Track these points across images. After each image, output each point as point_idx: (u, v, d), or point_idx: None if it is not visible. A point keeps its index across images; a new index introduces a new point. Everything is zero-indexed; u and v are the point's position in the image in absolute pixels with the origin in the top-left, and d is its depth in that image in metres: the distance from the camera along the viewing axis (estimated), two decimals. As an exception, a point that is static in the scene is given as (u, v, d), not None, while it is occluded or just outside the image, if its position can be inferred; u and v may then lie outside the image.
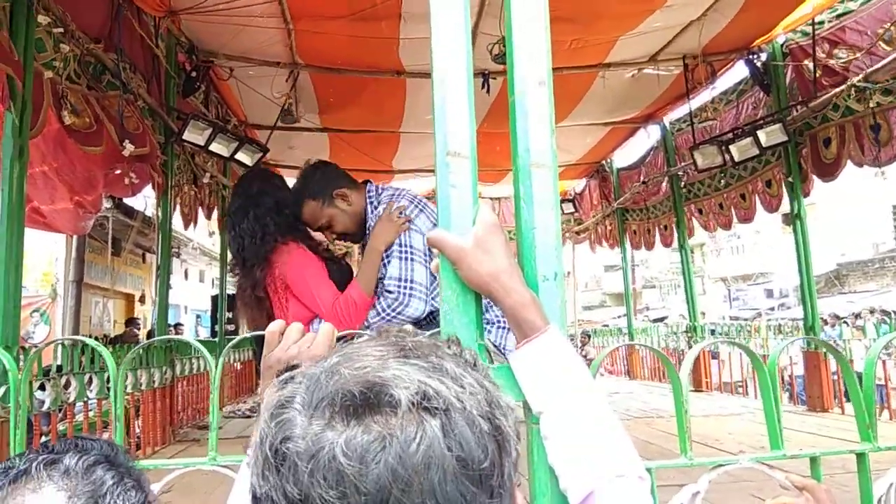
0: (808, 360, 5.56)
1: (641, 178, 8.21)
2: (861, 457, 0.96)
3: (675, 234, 7.69)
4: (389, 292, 2.39)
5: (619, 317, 21.52)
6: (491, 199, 9.89)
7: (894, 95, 4.50)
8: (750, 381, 6.95)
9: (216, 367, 0.95)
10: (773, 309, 25.02)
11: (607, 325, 15.22)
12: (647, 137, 7.92)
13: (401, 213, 2.49)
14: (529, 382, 0.84)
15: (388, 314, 2.37)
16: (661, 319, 18.02)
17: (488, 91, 5.31)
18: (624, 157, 9.06)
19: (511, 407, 0.54)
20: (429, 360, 0.53)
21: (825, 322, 11.02)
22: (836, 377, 5.49)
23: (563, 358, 0.83)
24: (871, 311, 12.58)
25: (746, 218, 6.74)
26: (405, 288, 2.38)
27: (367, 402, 0.49)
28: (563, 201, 10.04)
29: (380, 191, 2.70)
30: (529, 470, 0.88)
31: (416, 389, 0.49)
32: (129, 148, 3.87)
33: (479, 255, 0.86)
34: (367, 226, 2.63)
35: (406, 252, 2.45)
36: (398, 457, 0.46)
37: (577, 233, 10.62)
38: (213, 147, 5.07)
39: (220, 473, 0.98)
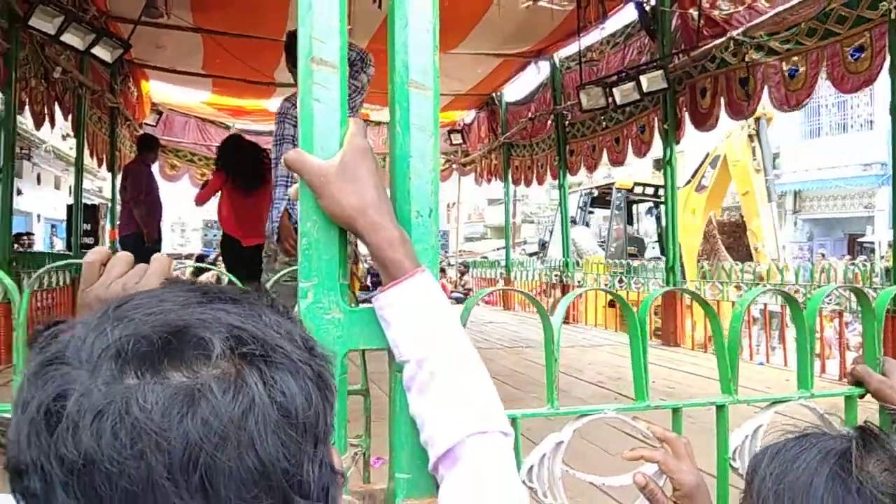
0: (665, 297, 5.94)
1: (529, 115, 8.26)
2: (721, 409, 0.98)
3: (558, 172, 7.84)
4: None
5: (498, 249, 22.11)
6: (379, 123, 9.62)
7: (765, 52, 4.70)
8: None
9: (21, 302, 0.79)
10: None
11: (486, 257, 15.60)
12: (538, 73, 7.95)
13: None
14: (394, 329, 0.76)
15: None
16: (537, 253, 18.68)
17: (380, 5, 5.02)
18: (514, 91, 9.09)
19: (328, 356, 0.49)
20: (240, 305, 0.46)
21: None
22: (689, 314, 5.92)
23: (432, 305, 0.75)
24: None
25: (617, 161, 6.97)
26: None
27: (168, 347, 0.41)
28: (451, 132, 9.96)
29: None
30: (390, 421, 0.81)
31: (229, 333, 0.43)
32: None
33: (344, 183, 0.75)
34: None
35: None
36: (211, 408, 0.39)
37: (464, 164, 10.63)
38: (66, 38, 4.52)
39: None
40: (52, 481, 0.39)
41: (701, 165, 8.96)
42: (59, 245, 15.54)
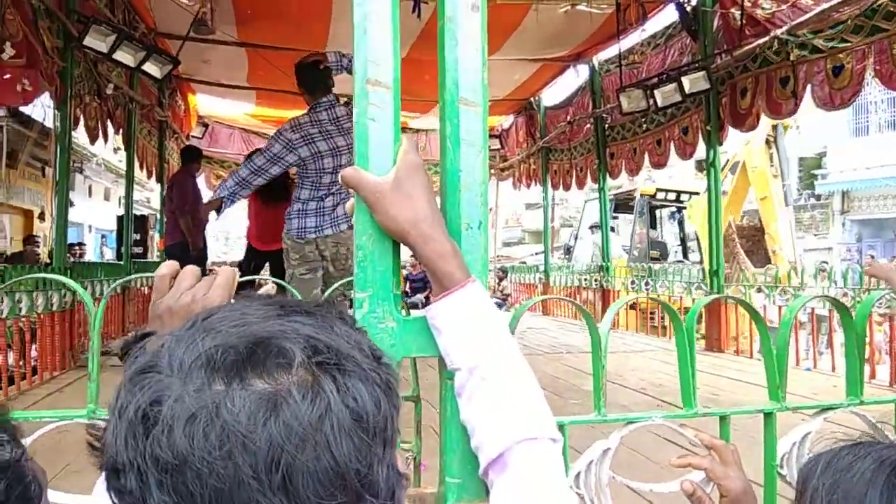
0: (710, 304, 5.84)
1: (568, 118, 8.22)
2: (768, 416, 0.98)
3: (598, 175, 7.79)
4: None
5: (536, 254, 22.00)
6: (418, 131, 9.68)
7: (808, 50, 4.60)
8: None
9: (98, 307, 0.84)
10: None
11: (525, 262, 15.53)
12: (577, 76, 7.90)
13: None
14: (445, 338, 0.79)
15: None
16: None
17: (419, 15, 5.08)
18: (552, 96, 9.05)
19: (393, 364, 0.53)
20: (314, 317, 0.50)
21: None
22: (734, 321, 5.82)
23: (482, 314, 0.78)
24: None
25: (659, 164, 6.88)
26: None
27: (252, 357, 0.45)
28: (489, 137, 9.95)
29: None
30: (441, 426, 0.84)
31: (306, 344, 0.46)
32: (8, 52, 3.50)
33: (398, 198, 0.78)
34: None
35: None
36: (292, 413, 0.43)
37: (502, 170, 10.63)
38: (118, 56, 4.68)
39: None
40: (148, 480, 0.42)
41: (723, 170, 9.01)
42: (109, 255, 16.02)
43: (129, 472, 0.43)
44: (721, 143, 5.77)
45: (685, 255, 11.28)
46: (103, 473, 0.76)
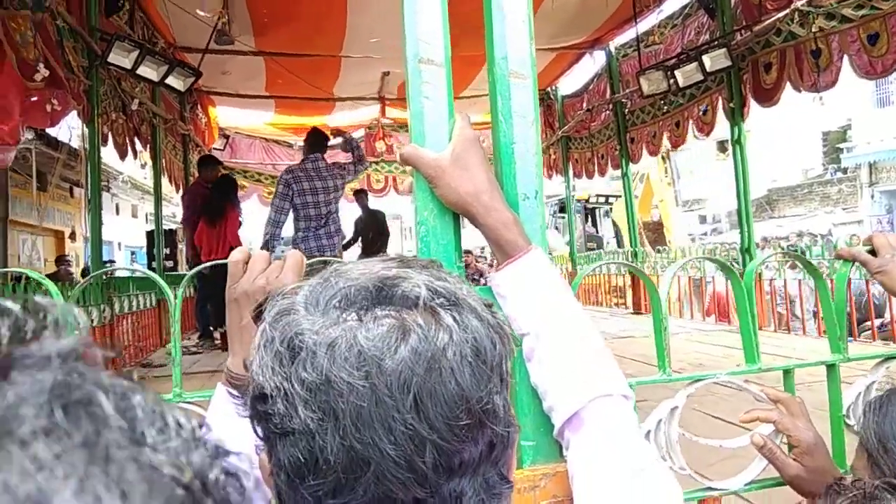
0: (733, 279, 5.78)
1: (585, 106, 8.18)
2: (831, 368, 0.98)
3: (620, 161, 7.74)
4: None
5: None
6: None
7: (837, 20, 4.52)
8: (686, 303, 7.20)
9: (176, 297, 0.88)
10: (705, 234, 25.94)
11: (551, 253, 15.77)
12: (593, 63, 7.86)
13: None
14: (511, 304, 0.81)
15: None
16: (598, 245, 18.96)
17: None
18: (569, 84, 9.01)
19: (503, 315, 0.57)
20: (429, 269, 0.54)
21: (756, 245, 11.56)
22: (768, 296, 5.75)
23: (548, 278, 0.80)
24: (799, 235, 13.18)
25: (677, 144, 6.86)
26: None
27: (381, 294, 0.50)
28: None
29: None
30: (512, 392, 0.85)
31: (428, 286, 0.51)
32: (42, 73, 3.59)
33: (457, 171, 0.80)
34: None
35: None
36: (419, 340, 0.47)
37: (522, 161, 10.60)
38: (142, 70, 4.76)
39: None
40: (294, 401, 0.47)
41: (633, 180, 11.76)
42: (140, 270, 16.25)
43: (276, 396, 0.48)
44: (744, 120, 5.70)
45: (619, 245, 13.71)
46: None
